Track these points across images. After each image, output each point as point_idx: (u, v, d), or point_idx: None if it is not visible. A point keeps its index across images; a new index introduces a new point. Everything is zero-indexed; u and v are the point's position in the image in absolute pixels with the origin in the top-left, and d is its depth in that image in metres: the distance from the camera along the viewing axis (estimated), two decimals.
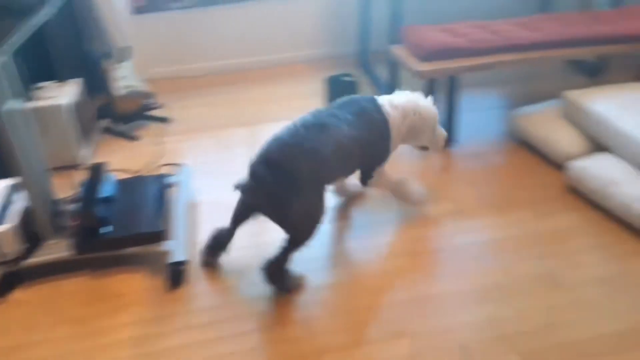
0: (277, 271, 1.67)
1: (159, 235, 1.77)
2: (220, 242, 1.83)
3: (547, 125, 2.43)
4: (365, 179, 1.96)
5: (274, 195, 1.57)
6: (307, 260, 1.88)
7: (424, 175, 2.40)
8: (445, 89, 2.50)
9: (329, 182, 1.76)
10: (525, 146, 2.57)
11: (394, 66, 2.87)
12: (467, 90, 3.16)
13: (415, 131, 1.92)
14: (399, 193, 2.02)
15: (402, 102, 1.88)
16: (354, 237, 2.04)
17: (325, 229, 2.06)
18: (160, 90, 3.34)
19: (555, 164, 2.39)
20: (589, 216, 2.06)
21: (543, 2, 3.53)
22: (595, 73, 3.22)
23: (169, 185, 2.15)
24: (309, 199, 1.60)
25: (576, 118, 2.33)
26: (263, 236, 2.02)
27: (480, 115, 2.89)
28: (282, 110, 3.08)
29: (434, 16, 3.81)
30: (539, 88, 3.13)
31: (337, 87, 2.78)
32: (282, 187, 1.55)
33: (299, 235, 1.64)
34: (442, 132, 2.03)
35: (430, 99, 1.97)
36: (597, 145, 2.28)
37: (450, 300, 1.72)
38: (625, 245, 1.90)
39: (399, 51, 2.52)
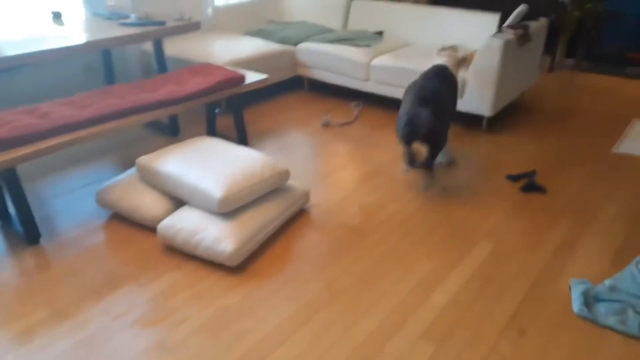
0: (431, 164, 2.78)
1: None
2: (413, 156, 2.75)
3: (132, 193, 2.46)
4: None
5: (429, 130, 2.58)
6: None
7: (11, 287, 2.05)
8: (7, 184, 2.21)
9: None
10: (119, 218, 2.53)
11: None
12: (51, 175, 2.92)
13: (462, 65, 3.13)
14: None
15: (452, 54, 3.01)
16: None
17: None
18: None
19: (149, 228, 2.44)
20: (186, 270, 2.17)
21: (106, 75, 3.62)
22: (175, 132, 3.51)
23: None
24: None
25: (152, 181, 2.44)
26: None
27: (70, 198, 2.71)
28: None
29: None
30: (130, 155, 3.18)
31: None
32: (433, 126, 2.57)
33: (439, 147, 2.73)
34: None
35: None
36: (178, 201, 2.44)
37: None
38: (219, 284, 2.08)
39: None
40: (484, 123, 3.54)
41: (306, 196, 2.59)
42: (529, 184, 2.78)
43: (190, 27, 3.12)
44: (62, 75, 3.71)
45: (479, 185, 2.82)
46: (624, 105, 4.00)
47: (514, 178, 2.88)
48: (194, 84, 2.81)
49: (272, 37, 4.22)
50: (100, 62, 3.81)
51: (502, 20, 3.78)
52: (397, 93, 3.72)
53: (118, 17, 3.21)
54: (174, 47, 3.88)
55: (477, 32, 3.88)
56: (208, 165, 2.32)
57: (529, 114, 3.82)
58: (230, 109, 3.18)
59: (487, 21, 3.84)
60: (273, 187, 2.40)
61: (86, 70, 3.82)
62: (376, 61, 3.75)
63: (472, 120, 3.66)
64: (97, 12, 3.29)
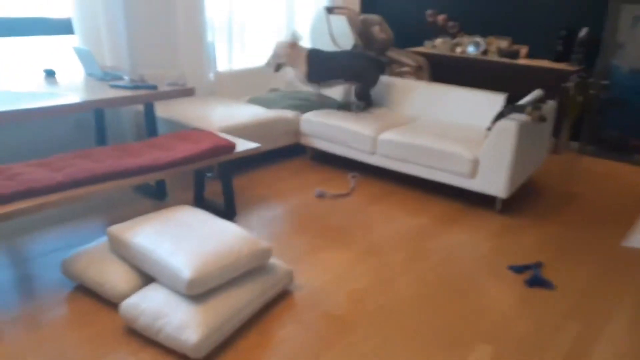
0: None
1: None
2: None
3: (100, 264, 2.25)
4: None
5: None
6: None
7: None
8: None
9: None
10: (85, 291, 2.31)
11: None
12: (21, 237, 2.73)
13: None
14: None
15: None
16: None
17: None
18: None
19: (113, 304, 2.22)
20: (145, 358, 1.92)
21: (98, 134, 3.52)
22: (162, 196, 3.34)
23: None
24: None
25: (123, 253, 2.24)
26: None
27: (36, 265, 2.50)
28: None
29: None
30: (112, 217, 2.99)
31: None
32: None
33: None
34: None
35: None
36: (149, 277, 2.23)
37: None
38: None
39: None
40: (498, 204, 3.35)
41: (289, 276, 2.37)
42: (535, 278, 2.55)
43: (183, 92, 3.04)
44: (53, 132, 3.62)
45: (480, 275, 2.59)
46: (631, 193, 3.83)
47: (517, 269, 2.65)
48: (181, 150, 2.68)
49: (273, 105, 4.15)
50: (92, 120, 3.73)
51: (509, 101, 3.71)
52: (403, 167, 3.57)
53: (112, 78, 3.15)
54: (168, 110, 3.80)
55: (483, 111, 3.80)
56: (182, 240, 2.13)
57: (537, 197, 3.65)
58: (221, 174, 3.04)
59: (493, 101, 3.77)
60: (251, 267, 2.19)
61: (78, 128, 3.73)
62: (384, 135, 3.63)
63: (485, 201, 3.48)
64: (91, 73, 3.23)
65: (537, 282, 2.55)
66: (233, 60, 4.59)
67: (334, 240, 2.90)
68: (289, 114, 4.04)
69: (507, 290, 2.47)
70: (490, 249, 2.87)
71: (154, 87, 2.97)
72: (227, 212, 3.08)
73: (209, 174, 3.72)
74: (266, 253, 2.23)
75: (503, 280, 2.56)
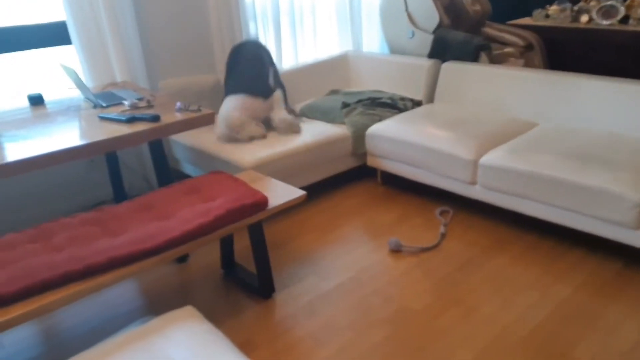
0: None
1: None
2: None
3: None
4: None
5: None
6: None
7: None
8: None
9: None
10: None
11: None
12: None
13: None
14: None
15: None
16: None
17: None
18: None
19: None
20: None
21: (111, 170, 2.74)
22: (182, 257, 2.52)
23: None
24: None
25: None
26: None
27: None
28: None
29: None
30: (107, 298, 2.22)
31: None
32: None
33: None
34: None
35: None
36: None
37: None
38: None
39: None
40: None
41: None
42: None
43: (198, 122, 2.14)
44: (64, 175, 2.87)
45: None
46: None
47: None
48: (182, 219, 1.79)
49: (334, 117, 3.14)
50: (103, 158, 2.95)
51: None
52: (519, 205, 2.45)
53: (109, 102, 2.32)
54: (195, 135, 2.93)
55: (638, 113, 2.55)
56: None
57: None
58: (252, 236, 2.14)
59: None
60: None
61: (91, 169, 2.97)
62: (488, 158, 2.52)
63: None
64: (88, 97, 2.42)
65: None
66: (283, 57, 3.63)
67: (418, 349, 1.89)
68: (354, 129, 3.02)
69: None
70: None
71: (156, 118, 2.10)
72: (262, 289, 2.17)
73: None
74: None
75: None
